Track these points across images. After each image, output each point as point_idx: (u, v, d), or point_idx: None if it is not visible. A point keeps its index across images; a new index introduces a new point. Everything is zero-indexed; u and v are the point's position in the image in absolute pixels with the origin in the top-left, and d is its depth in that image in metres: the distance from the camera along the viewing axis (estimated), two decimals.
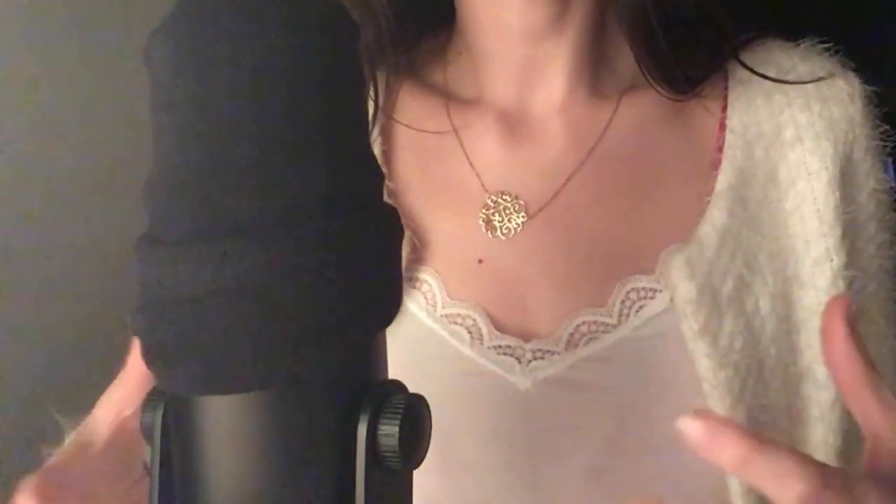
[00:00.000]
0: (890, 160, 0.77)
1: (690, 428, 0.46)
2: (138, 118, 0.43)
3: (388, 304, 0.41)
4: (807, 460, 0.46)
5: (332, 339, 0.38)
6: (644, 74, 0.72)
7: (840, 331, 0.50)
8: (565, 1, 0.71)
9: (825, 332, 0.50)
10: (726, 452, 0.46)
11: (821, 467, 0.46)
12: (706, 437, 0.46)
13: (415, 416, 0.41)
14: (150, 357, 0.40)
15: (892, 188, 0.77)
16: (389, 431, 0.40)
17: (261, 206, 0.38)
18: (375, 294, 0.40)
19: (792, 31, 0.76)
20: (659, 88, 0.72)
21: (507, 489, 0.68)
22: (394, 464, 0.40)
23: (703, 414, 0.46)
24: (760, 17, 0.76)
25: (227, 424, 0.39)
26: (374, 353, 0.41)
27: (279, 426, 0.39)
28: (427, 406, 0.42)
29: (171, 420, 0.41)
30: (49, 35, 0.98)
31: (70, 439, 0.62)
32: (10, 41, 0.97)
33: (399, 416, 0.40)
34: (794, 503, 0.45)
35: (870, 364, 0.50)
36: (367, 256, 0.40)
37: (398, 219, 0.42)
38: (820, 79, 0.73)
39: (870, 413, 0.49)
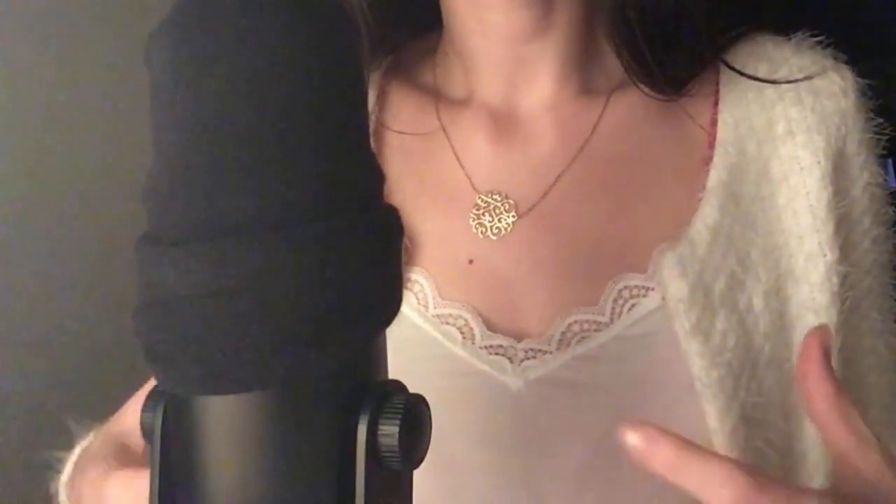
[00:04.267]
0: (890, 161, 0.77)
1: (629, 438, 0.48)
2: (138, 118, 0.43)
3: (387, 304, 0.41)
4: (739, 467, 0.48)
5: (332, 338, 0.38)
6: (630, 76, 0.72)
7: (816, 360, 0.53)
8: (549, 2, 0.70)
9: (801, 362, 0.53)
10: (660, 458, 0.48)
11: (753, 475, 0.48)
12: (643, 445, 0.48)
13: (415, 416, 0.41)
14: (150, 357, 0.40)
15: (892, 189, 0.77)
16: (389, 431, 0.40)
17: (260, 205, 0.38)
18: (375, 294, 0.40)
19: (786, 22, 0.76)
20: (645, 90, 0.72)
21: (499, 489, 0.68)
22: (394, 464, 0.40)
23: (640, 424, 0.48)
24: (755, 11, 0.76)
25: (226, 424, 0.39)
26: (374, 353, 0.41)
27: (279, 426, 0.39)
28: (427, 406, 0.42)
29: (171, 420, 0.41)
30: (49, 35, 0.98)
31: (98, 443, 0.62)
32: (10, 41, 0.97)
33: (399, 416, 0.40)
34: None
35: (841, 390, 0.52)
36: (366, 256, 0.40)
37: (398, 218, 0.42)
38: (808, 77, 0.72)
39: (837, 436, 0.52)
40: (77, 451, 0.69)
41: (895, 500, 0.51)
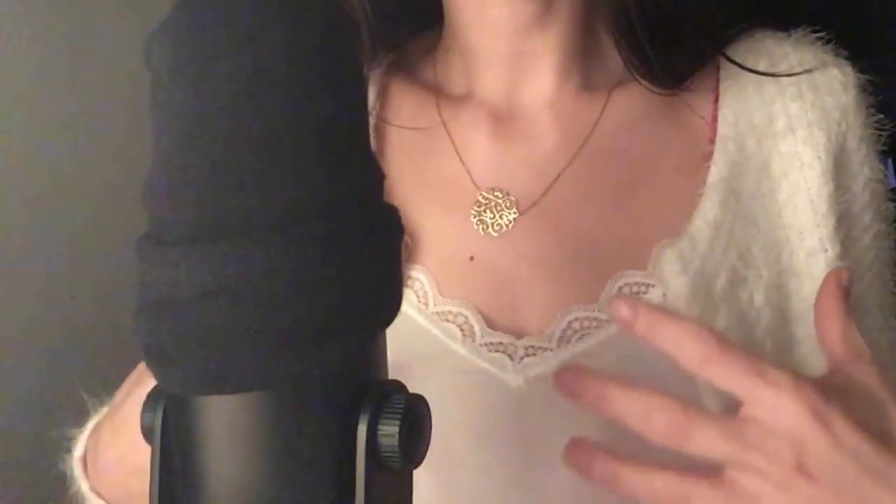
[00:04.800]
0: (889, 160, 0.77)
1: (618, 309, 0.55)
2: (138, 118, 0.43)
3: (388, 304, 0.41)
4: (710, 329, 0.54)
5: (332, 339, 0.38)
6: (630, 71, 0.72)
7: (831, 286, 0.59)
8: None
9: (822, 286, 0.60)
10: (641, 322, 0.54)
11: (723, 337, 0.54)
12: (627, 313, 0.54)
13: (415, 416, 0.41)
14: (150, 357, 0.40)
15: (892, 188, 0.77)
16: (389, 431, 0.40)
17: (260, 205, 0.38)
18: (375, 294, 0.40)
19: (786, 19, 0.76)
20: (645, 84, 0.72)
21: (499, 487, 0.68)
22: (394, 464, 0.40)
23: (623, 297, 0.57)
24: (755, 7, 0.76)
25: (227, 424, 0.39)
26: (374, 353, 0.41)
27: (279, 426, 0.39)
28: (427, 406, 0.42)
29: (171, 420, 0.41)
30: (49, 35, 0.98)
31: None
32: (10, 41, 0.97)
33: (399, 416, 0.40)
34: (697, 364, 0.53)
35: (848, 311, 0.59)
36: (367, 256, 0.40)
37: (398, 218, 0.42)
38: (808, 71, 0.73)
39: (835, 345, 0.58)
40: (90, 425, 0.69)
41: (887, 409, 0.54)
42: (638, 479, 0.55)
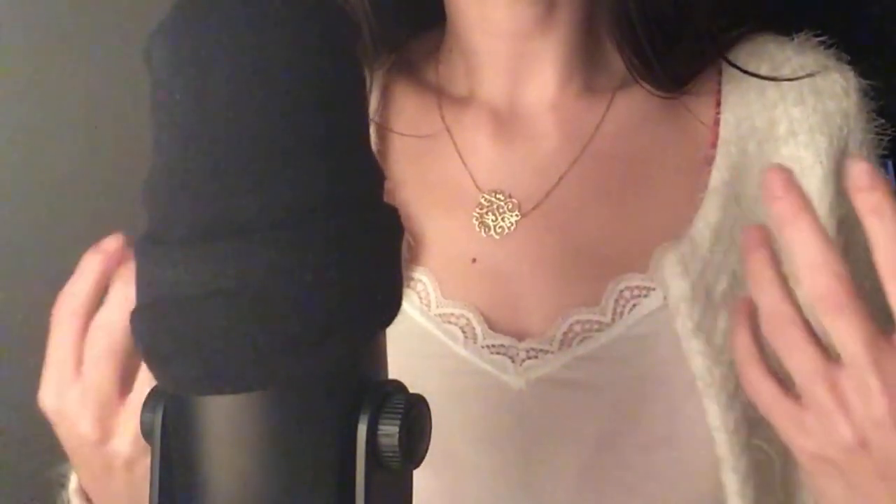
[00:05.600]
0: (889, 161, 0.77)
1: (856, 169, 0.55)
2: (138, 118, 0.43)
3: (387, 305, 0.41)
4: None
5: (332, 339, 0.38)
6: (631, 73, 0.72)
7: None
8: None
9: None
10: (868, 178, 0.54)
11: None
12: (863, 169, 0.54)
13: (415, 416, 0.41)
14: (149, 357, 0.40)
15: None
16: (389, 431, 0.40)
17: (261, 206, 0.38)
18: (375, 294, 0.40)
19: (788, 23, 0.76)
20: (647, 87, 0.72)
21: (500, 488, 0.68)
22: (394, 464, 0.40)
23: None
24: (757, 11, 0.76)
25: (226, 424, 0.39)
26: (374, 353, 0.41)
27: (279, 426, 0.39)
28: (427, 406, 0.42)
29: (171, 420, 0.41)
30: (49, 35, 0.98)
31: None
32: (10, 41, 0.97)
33: (399, 416, 0.40)
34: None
35: None
36: (367, 256, 0.40)
37: (398, 219, 0.42)
38: (810, 74, 0.73)
39: None
40: None
41: None
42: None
